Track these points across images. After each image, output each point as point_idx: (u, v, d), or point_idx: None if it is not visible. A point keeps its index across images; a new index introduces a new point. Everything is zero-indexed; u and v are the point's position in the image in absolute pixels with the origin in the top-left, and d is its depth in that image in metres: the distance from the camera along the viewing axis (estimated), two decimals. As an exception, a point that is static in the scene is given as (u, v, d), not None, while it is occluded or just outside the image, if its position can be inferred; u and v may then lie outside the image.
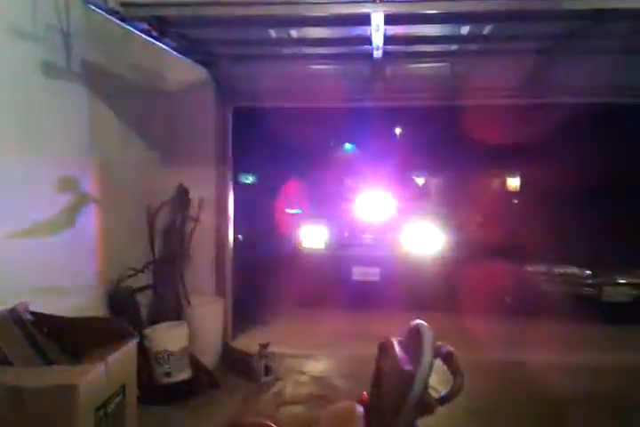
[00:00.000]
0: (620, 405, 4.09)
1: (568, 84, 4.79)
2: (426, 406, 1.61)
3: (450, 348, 1.76)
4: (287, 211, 7.75)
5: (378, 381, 1.91)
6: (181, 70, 4.78)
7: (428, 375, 1.61)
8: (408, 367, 1.67)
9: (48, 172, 3.23)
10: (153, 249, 4.45)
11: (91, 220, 3.67)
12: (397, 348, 1.80)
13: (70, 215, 3.44)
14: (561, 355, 5.21)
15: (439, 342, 1.78)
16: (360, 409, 1.85)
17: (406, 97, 5.02)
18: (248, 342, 5.10)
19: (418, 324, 1.79)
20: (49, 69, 3.18)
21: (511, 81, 4.83)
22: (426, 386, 1.60)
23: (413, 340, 1.77)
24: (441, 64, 4.86)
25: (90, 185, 3.69)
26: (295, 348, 5.38)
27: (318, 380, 4.56)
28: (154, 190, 4.67)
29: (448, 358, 1.73)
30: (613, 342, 5.66)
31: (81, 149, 3.61)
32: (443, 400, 1.66)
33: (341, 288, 6.63)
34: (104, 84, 3.79)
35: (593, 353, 5.28)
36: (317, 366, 4.93)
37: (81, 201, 3.56)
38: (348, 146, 12.64)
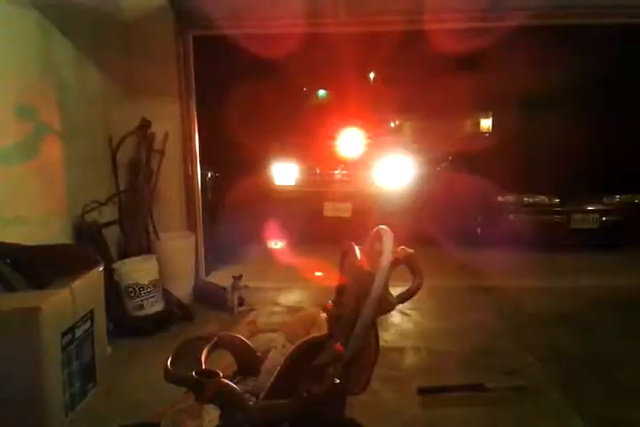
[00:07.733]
0: (573, 321, 4.29)
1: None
2: (385, 304, 1.62)
3: (410, 250, 1.76)
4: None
5: (341, 287, 1.92)
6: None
7: (388, 274, 1.61)
8: (368, 268, 1.67)
9: (5, 101, 3.13)
10: (117, 182, 4.34)
11: (51, 151, 3.56)
12: (358, 251, 1.79)
13: (31, 145, 3.34)
14: (528, 280, 5.38)
15: (401, 247, 1.78)
16: (324, 315, 1.87)
17: (374, 20, 4.85)
18: (220, 280, 5.09)
19: (378, 228, 1.78)
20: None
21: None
22: (386, 285, 1.60)
23: (375, 244, 1.77)
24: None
25: (47, 116, 3.57)
26: (268, 281, 5.43)
27: (292, 310, 4.61)
28: (116, 123, 4.52)
29: (408, 260, 1.73)
30: (580, 267, 5.83)
31: (35, 79, 3.46)
32: (402, 298, 1.66)
33: (313, 225, 6.64)
34: (55, 12, 3.60)
35: (559, 278, 5.45)
36: (291, 297, 4.97)
37: (40, 131, 3.44)
38: (321, 92, 12.42)
